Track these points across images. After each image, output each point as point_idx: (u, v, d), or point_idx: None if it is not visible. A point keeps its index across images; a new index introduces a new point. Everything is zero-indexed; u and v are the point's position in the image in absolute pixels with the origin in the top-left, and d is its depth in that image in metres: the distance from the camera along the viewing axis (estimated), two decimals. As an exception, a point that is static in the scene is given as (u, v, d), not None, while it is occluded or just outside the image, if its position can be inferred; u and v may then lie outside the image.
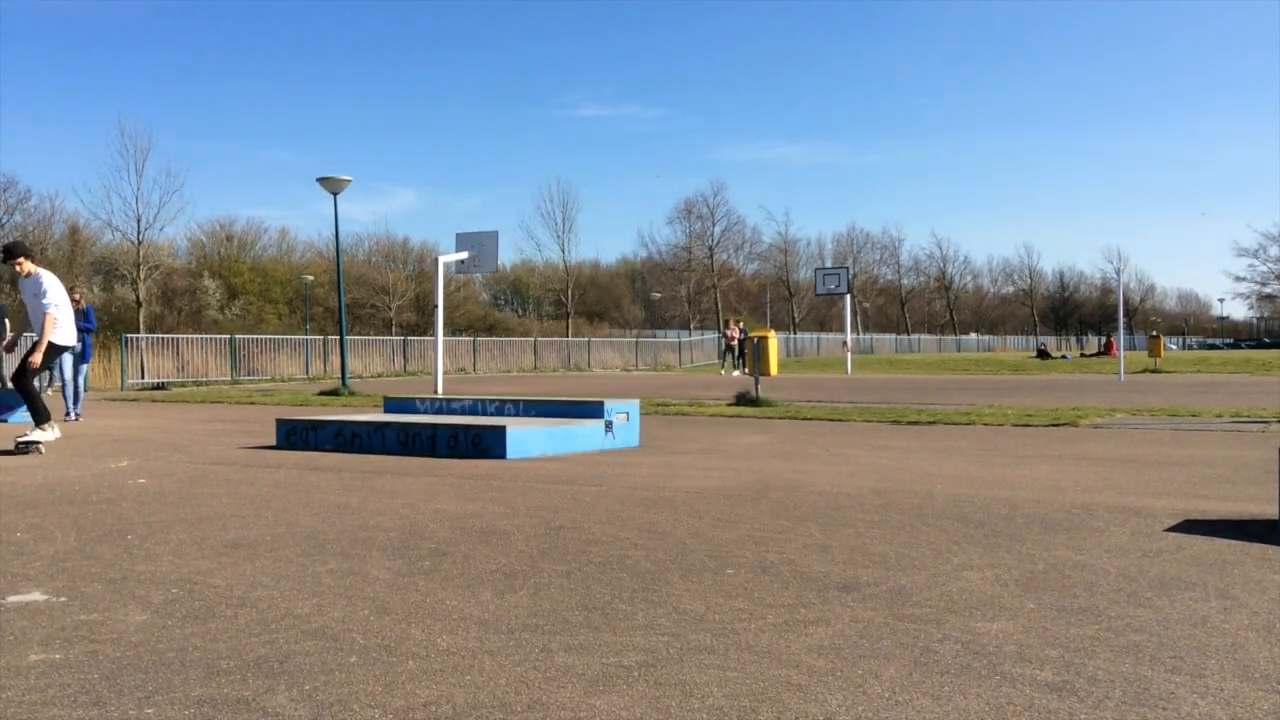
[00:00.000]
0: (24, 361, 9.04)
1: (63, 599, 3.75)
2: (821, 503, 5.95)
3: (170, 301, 53.61)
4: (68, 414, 13.92)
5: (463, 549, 4.64)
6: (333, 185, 21.82)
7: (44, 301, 8.94)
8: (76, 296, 14.10)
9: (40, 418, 8.89)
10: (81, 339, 14.09)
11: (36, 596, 3.80)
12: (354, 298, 54.42)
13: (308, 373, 31.53)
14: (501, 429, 8.58)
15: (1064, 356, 54.74)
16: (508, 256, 77.63)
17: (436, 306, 20.83)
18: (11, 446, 8.92)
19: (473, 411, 10.54)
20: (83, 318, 14.07)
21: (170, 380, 26.78)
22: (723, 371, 34.22)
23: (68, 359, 14.15)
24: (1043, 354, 52.12)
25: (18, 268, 9.05)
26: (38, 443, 8.83)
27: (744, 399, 15.34)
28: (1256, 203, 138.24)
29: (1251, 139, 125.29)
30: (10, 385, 9.82)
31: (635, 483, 6.93)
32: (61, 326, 9.15)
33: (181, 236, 60.61)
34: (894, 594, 3.74)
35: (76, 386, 14.31)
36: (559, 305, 69.29)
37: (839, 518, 5.42)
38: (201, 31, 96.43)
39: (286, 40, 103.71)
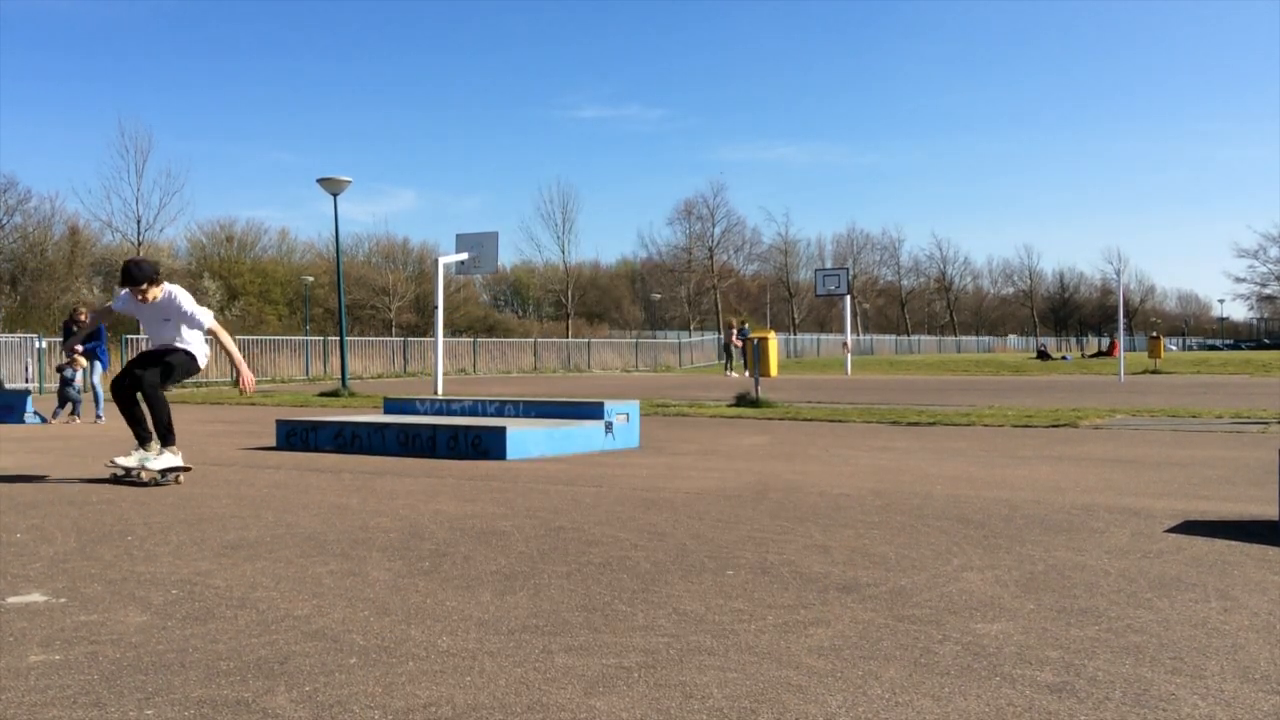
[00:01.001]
0: (161, 374, 7.16)
1: (63, 600, 3.75)
2: (821, 503, 5.94)
3: (170, 302, 53.47)
4: (98, 417, 14.17)
5: (462, 550, 4.64)
6: (333, 186, 21.84)
7: (198, 319, 7.12)
8: (81, 316, 14.34)
9: (170, 437, 7.14)
10: (95, 349, 14.61)
11: (36, 597, 3.80)
12: (354, 298, 54.38)
13: (308, 373, 31.55)
14: (501, 430, 8.58)
15: (1064, 358, 54.68)
16: (508, 257, 77.56)
17: (436, 307, 20.83)
18: (109, 473, 7.15)
19: (472, 412, 10.54)
20: (96, 336, 14.51)
21: (170, 381, 26.76)
22: (728, 372, 34.23)
23: (97, 366, 14.67)
24: (1043, 355, 52.08)
25: (141, 297, 7.07)
26: (181, 469, 7.12)
27: (744, 400, 15.35)
28: (1256, 203, 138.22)
29: (1251, 139, 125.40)
30: (108, 394, 7.55)
31: (635, 484, 6.93)
32: (202, 342, 7.38)
33: (181, 237, 60.54)
34: (894, 595, 3.74)
35: (96, 392, 14.47)
36: (559, 306, 69.25)
37: (839, 518, 5.42)
38: (201, 31, 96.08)
39: (286, 40, 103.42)
